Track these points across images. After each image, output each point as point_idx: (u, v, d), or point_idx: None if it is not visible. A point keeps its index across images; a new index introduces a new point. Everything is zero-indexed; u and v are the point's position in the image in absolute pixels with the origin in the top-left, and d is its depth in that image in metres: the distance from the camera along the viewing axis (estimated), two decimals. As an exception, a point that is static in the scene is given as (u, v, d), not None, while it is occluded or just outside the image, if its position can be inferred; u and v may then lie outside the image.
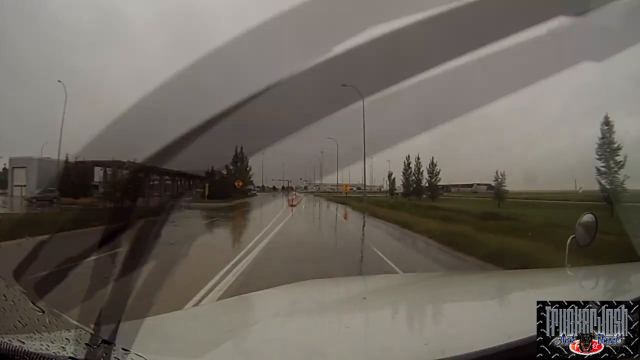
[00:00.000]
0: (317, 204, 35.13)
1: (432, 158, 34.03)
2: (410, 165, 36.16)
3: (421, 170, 34.52)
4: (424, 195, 34.33)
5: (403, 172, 35.74)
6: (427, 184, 34.28)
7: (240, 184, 37.06)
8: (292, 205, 25.85)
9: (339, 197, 40.40)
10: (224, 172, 40.90)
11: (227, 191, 36.62)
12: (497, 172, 27.41)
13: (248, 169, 49.98)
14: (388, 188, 43.83)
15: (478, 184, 40.00)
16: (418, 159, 35.15)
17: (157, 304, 1.27)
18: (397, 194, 38.67)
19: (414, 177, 35.29)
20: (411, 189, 35.43)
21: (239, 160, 44.79)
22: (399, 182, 38.30)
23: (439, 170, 33.76)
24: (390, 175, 41.70)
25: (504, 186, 27.02)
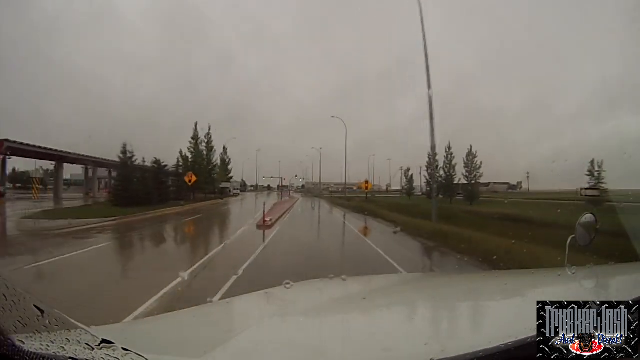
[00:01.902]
0: (319, 216, 20.66)
1: (470, 147, 25.07)
2: (437, 158, 26.27)
3: (454, 164, 25.42)
4: (457, 196, 25.30)
5: (427, 166, 25.93)
6: (453, 182, 25.44)
7: (193, 179, 23.56)
8: (265, 226, 12.04)
9: (350, 201, 27.07)
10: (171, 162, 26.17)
11: (169, 191, 23.94)
12: (592, 163, 18.08)
13: (226, 161, 36.28)
14: (402, 187, 34.43)
15: (495, 183, 33.45)
16: (449, 148, 25.68)
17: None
18: (414, 194, 31.32)
19: (443, 173, 25.72)
20: (437, 187, 26.00)
21: (203, 143, 29.97)
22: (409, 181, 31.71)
23: (480, 163, 24.52)
24: (407, 171, 32.13)
25: (603, 183, 18.12)
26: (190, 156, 29.28)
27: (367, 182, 26.21)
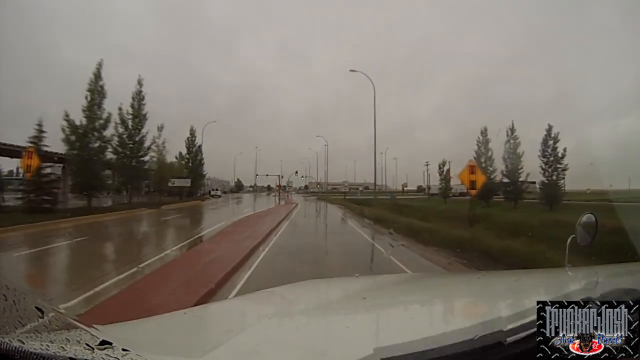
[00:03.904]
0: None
1: (549, 127, 16.45)
2: (488, 147, 17.99)
3: (520, 152, 17.54)
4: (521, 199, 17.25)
5: (475, 157, 17.70)
6: (519, 179, 17.56)
7: (34, 163, 11.62)
8: None
9: (385, 209, 16.50)
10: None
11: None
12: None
13: (193, 149, 24.73)
14: (427, 186, 28.14)
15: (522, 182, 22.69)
16: (512, 130, 17.36)
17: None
18: (440, 195, 24.18)
19: (506, 165, 17.97)
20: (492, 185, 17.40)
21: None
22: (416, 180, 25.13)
23: (564, 150, 16.24)
24: (442, 165, 23.94)
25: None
26: (84, 122, 14.69)
27: (472, 164, 11.23)
